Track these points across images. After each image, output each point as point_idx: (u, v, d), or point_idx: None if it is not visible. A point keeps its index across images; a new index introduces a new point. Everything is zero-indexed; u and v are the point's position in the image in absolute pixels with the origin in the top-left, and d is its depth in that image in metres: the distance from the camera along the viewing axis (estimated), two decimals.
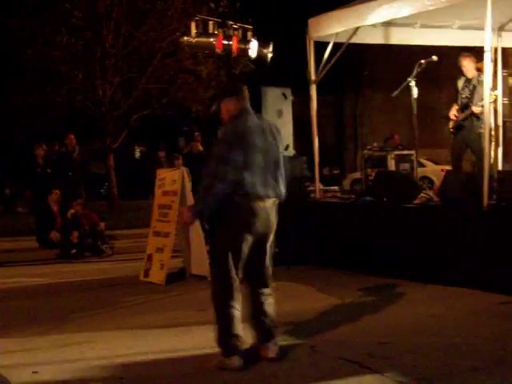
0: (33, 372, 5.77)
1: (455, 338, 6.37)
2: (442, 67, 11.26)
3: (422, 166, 28.62)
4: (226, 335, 5.68)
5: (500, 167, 11.72)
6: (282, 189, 5.86)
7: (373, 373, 5.43)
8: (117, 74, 21.96)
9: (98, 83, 21.89)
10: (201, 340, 6.63)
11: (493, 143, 11.47)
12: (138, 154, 38.43)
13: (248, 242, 5.68)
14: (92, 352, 6.37)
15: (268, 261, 5.93)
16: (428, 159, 29.47)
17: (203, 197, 5.64)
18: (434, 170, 25.87)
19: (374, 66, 33.71)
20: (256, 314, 5.89)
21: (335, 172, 32.71)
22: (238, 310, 5.72)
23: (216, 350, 5.81)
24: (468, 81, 10.86)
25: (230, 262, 5.68)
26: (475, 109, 10.44)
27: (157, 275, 9.84)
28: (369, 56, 31.83)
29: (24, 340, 6.87)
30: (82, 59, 21.58)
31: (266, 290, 5.93)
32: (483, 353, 5.89)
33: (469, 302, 7.86)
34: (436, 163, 27.53)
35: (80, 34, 21.29)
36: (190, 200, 9.92)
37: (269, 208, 5.73)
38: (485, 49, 8.63)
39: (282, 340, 6.17)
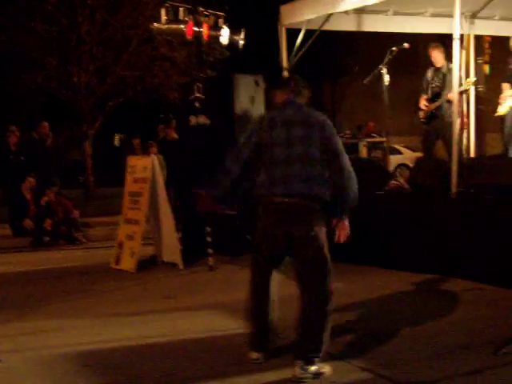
0: None
1: (421, 325, 6.42)
2: (423, 53, 11.29)
3: (399, 153, 28.82)
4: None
5: (472, 155, 11.81)
6: (316, 187, 5.10)
7: (335, 359, 5.44)
8: (92, 60, 21.84)
9: (74, 70, 21.76)
10: (167, 327, 6.66)
11: (465, 131, 11.58)
12: (117, 142, 38.32)
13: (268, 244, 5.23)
14: (58, 340, 6.37)
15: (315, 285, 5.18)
16: (405, 146, 29.61)
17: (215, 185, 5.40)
18: (411, 158, 25.98)
19: (352, 54, 33.72)
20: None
21: None
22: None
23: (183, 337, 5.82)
24: (437, 70, 10.93)
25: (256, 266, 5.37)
26: (451, 95, 10.47)
27: (127, 263, 9.83)
28: (347, 43, 31.84)
29: None
30: (57, 46, 21.42)
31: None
32: (448, 338, 5.94)
33: (435, 288, 7.92)
34: (413, 150, 27.65)
35: (55, 21, 21.11)
36: (161, 187, 9.92)
37: (289, 207, 5.10)
38: (453, 36, 8.65)
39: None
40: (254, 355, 5.34)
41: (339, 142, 5.23)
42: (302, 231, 5.07)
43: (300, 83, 5.55)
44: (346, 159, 5.19)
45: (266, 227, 5.18)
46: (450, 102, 10.60)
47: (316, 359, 5.04)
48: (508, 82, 10.53)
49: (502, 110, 10.61)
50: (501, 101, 10.62)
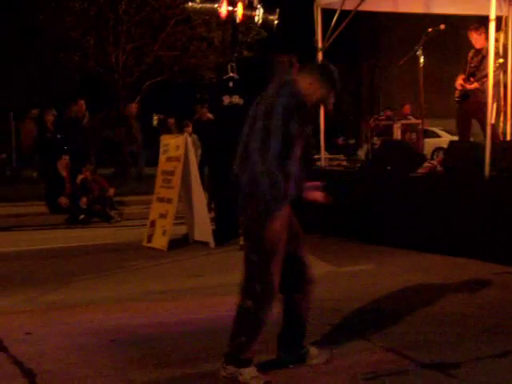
0: (26, 333, 5.84)
1: (448, 307, 6.40)
2: (464, 35, 11.16)
3: (438, 136, 28.51)
4: None
5: (508, 138, 11.65)
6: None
7: (360, 339, 5.45)
8: (129, 40, 21.91)
9: (111, 49, 21.85)
10: (196, 304, 6.72)
11: (501, 114, 11.42)
12: (155, 122, 38.47)
13: None
14: (86, 314, 6.45)
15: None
16: (444, 130, 29.27)
17: None
18: (449, 141, 25.64)
19: (391, 36, 33.39)
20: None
21: (350, 142, 32.56)
22: None
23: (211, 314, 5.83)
24: (478, 51, 10.78)
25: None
26: (469, 85, 10.40)
27: (159, 241, 9.89)
28: (386, 25, 31.54)
29: (21, 301, 6.97)
30: (95, 25, 21.53)
31: None
32: (474, 321, 5.91)
33: (466, 271, 7.86)
34: (452, 134, 27.33)
35: (93, 0, 21.21)
36: (194, 167, 9.95)
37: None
38: (490, 17, 8.54)
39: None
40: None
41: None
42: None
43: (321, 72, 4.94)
44: None
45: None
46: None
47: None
48: None
49: None
50: None
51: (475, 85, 10.54)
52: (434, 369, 4.86)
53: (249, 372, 4.68)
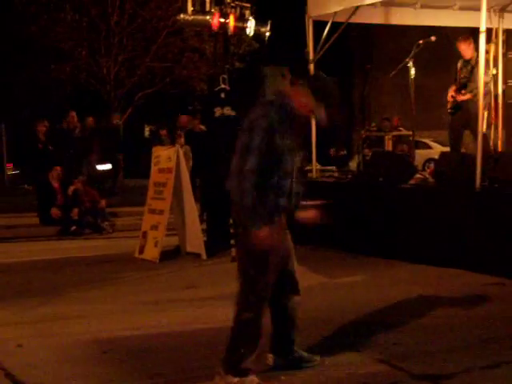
0: (17, 345, 5.82)
1: (440, 318, 6.41)
2: (454, 47, 11.22)
3: (429, 147, 28.61)
4: None
5: (500, 150, 11.70)
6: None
7: (351, 350, 5.45)
8: (121, 51, 21.93)
9: (103, 61, 21.86)
10: (188, 316, 6.71)
11: (492, 124, 11.48)
12: (147, 133, 38.45)
13: None
14: (79, 326, 6.44)
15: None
16: (435, 141, 29.37)
17: None
18: (439, 152, 25.69)
19: (383, 47, 33.50)
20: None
21: (342, 153, 32.57)
22: None
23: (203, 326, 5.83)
24: (466, 62, 10.83)
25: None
26: (460, 96, 10.46)
27: (151, 252, 9.89)
28: (378, 37, 31.67)
29: (12, 313, 6.96)
30: (87, 36, 21.55)
31: None
32: (466, 332, 5.93)
33: (458, 282, 7.88)
34: (443, 145, 27.41)
35: (85, 11, 21.23)
36: (186, 178, 9.96)
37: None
38: (480, 29, 8.59)
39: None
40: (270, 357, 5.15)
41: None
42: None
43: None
44: None
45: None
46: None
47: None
48: None
49: None
50: None
51: (468, 96, 10.59)
52: (425, 380, 4.87)
53: (250, 381, 4.73)
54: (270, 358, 5.11)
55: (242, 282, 4.83)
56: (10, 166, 26.14)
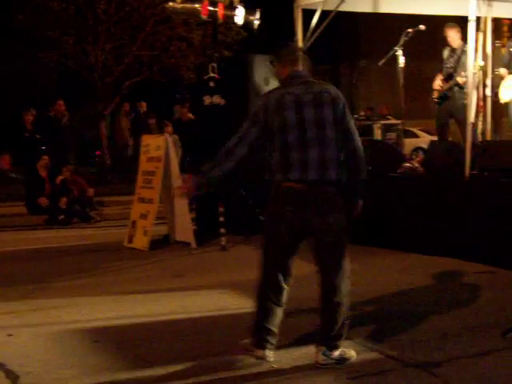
0: (8, 335, 5.81)
1: (431, 306, 6.43)
2: (442, 36, 11.21)
3: (416, 136, 28.64)
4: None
5: (488, 139, 11.73)
6: (333, 171, 4.86)
7: (345, 339, 5.45)
8: (109, 40, 21.79)
9: (90, 49, 21.74)
10: (178, 306, 6.71)
11: (481, 114, 11.50)
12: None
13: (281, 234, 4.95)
14: (69, 316, 6.43)
15: (334, 271, 5.02)
16: (422, 130, 29.41)
17: (213, 167, 4.98)
18: (427, 141, 25.70)
19: (371, 36, 33.50)
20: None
21: None
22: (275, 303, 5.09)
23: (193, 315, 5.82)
24: (453, 50, 10.86)
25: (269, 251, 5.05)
26: (459, 79, 10.43)
27: (140, 241, 9.88)
28: (365, 25, 31.65)
29: (2, 303, 6.92)
30: (74, 25, 21.40)
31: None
32: (457, 320, 5.95)
33: (448, 271, 7.91)
34: (430, 134, 27.45)
35: (72, 0, 21.07)
36: (175, 167, 9.94)
37: (306, 194, 4.85)
38: (469, 18, 8.59)
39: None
40: (260, 353, 5.07)
41: (351, 121, 5.04)
42: (321, 220, 4.85)
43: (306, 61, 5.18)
44: (358, 139, 5.04)
45: (284, 213, 4.87)
46: (457, 85, 10.55)
47: (339, 344, 5.00)
48: (506, 67, 10.37)
49: (505, 97, 10.48)
50: (503, 87, 10.48)
51: (455, 81, 10.59)
52: (417, 368, 4.89)
53: (347, 346, 5.12)
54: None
55: (336, 261, 5.04)
56: None
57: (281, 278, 5.05)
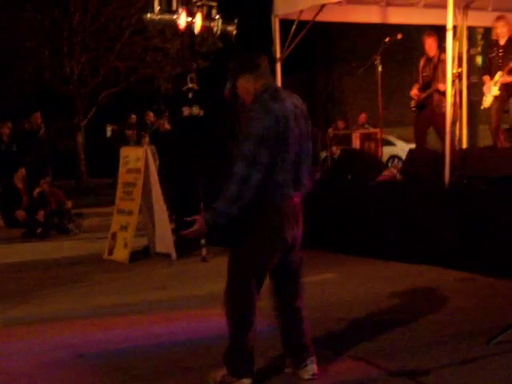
0: None
1: (413, 315, 6.44)
2: (418, 45, 11.30)
3: (392, 144, 28.74)
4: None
5: (464, 146, 11.81)
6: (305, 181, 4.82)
7: (326, 348, 5.44)
8: (84, 51, 21.75)
9: (66, 60, 21.66)
10: (160, 317, 6.67)
11: (457, 121, 11.57)
12: (109, 133, 38.26)
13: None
14: (51, 329, 6.38)
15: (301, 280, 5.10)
16: (398, 138, 29.51)
17: (224, 207, 4.58)
18: (404, 149, 25.84)
19: (346, 44, 33.64)
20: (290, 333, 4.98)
21: None
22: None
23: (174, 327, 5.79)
24: (429, 59, 10.90)
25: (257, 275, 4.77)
26: (442, 86, 10.46)
27: (120, 253, 9.82)
28: (341, 34, 31.78)
29: None
30: (49, 36, 21.31)
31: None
32: (441, 328, 5.96)
33: (430, 279, 7.92)
34: (407, 142, 27.57)
35: (47, 11, 20.98)
36: (154, 178, 9.91)
37: (300, 208, 4.80)
38: (447, 27, 8.65)
39: None
40: (248, 382, 4.75)
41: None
42: (298, 232, 4.84)
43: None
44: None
45: (281, 230, 4.68)
46: (437, 91, 10.59)
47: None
48: (488, 74, 10.42)
49: (486, 103, 10.54)
50: (485, 93, 10.53)
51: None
52: (402, 376, 4.89)
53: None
54: None
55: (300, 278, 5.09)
56: None
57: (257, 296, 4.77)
